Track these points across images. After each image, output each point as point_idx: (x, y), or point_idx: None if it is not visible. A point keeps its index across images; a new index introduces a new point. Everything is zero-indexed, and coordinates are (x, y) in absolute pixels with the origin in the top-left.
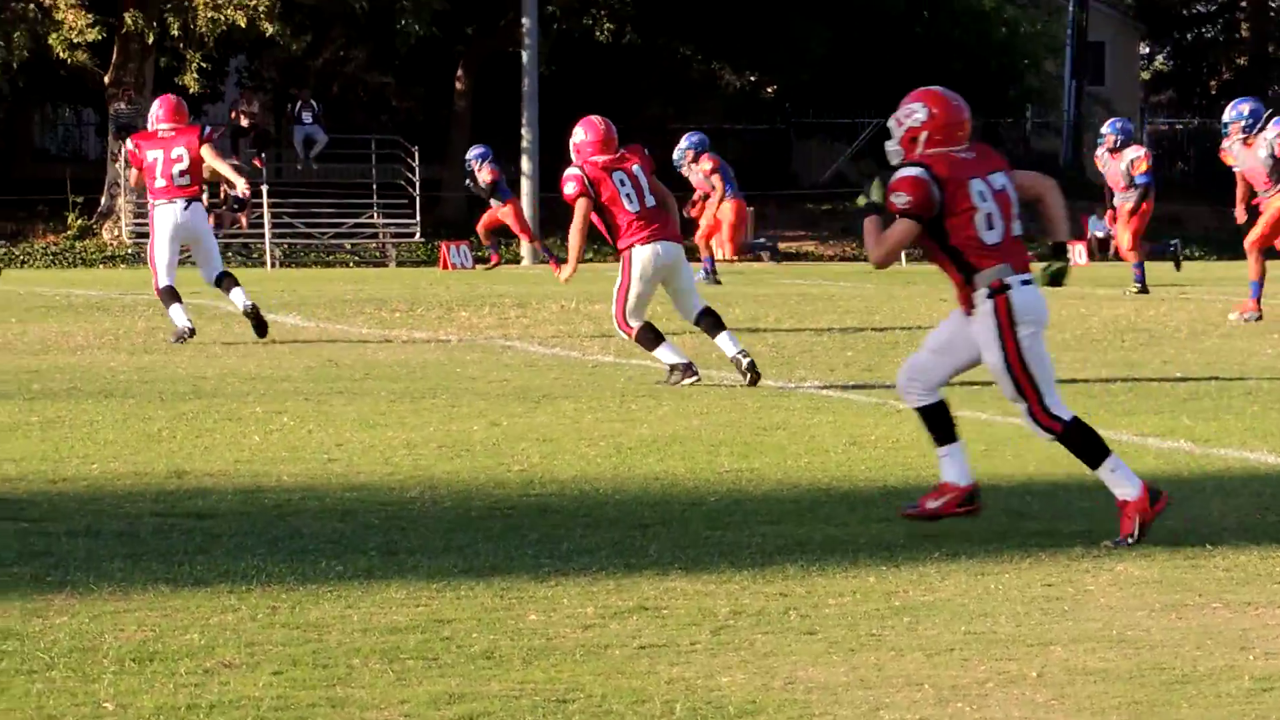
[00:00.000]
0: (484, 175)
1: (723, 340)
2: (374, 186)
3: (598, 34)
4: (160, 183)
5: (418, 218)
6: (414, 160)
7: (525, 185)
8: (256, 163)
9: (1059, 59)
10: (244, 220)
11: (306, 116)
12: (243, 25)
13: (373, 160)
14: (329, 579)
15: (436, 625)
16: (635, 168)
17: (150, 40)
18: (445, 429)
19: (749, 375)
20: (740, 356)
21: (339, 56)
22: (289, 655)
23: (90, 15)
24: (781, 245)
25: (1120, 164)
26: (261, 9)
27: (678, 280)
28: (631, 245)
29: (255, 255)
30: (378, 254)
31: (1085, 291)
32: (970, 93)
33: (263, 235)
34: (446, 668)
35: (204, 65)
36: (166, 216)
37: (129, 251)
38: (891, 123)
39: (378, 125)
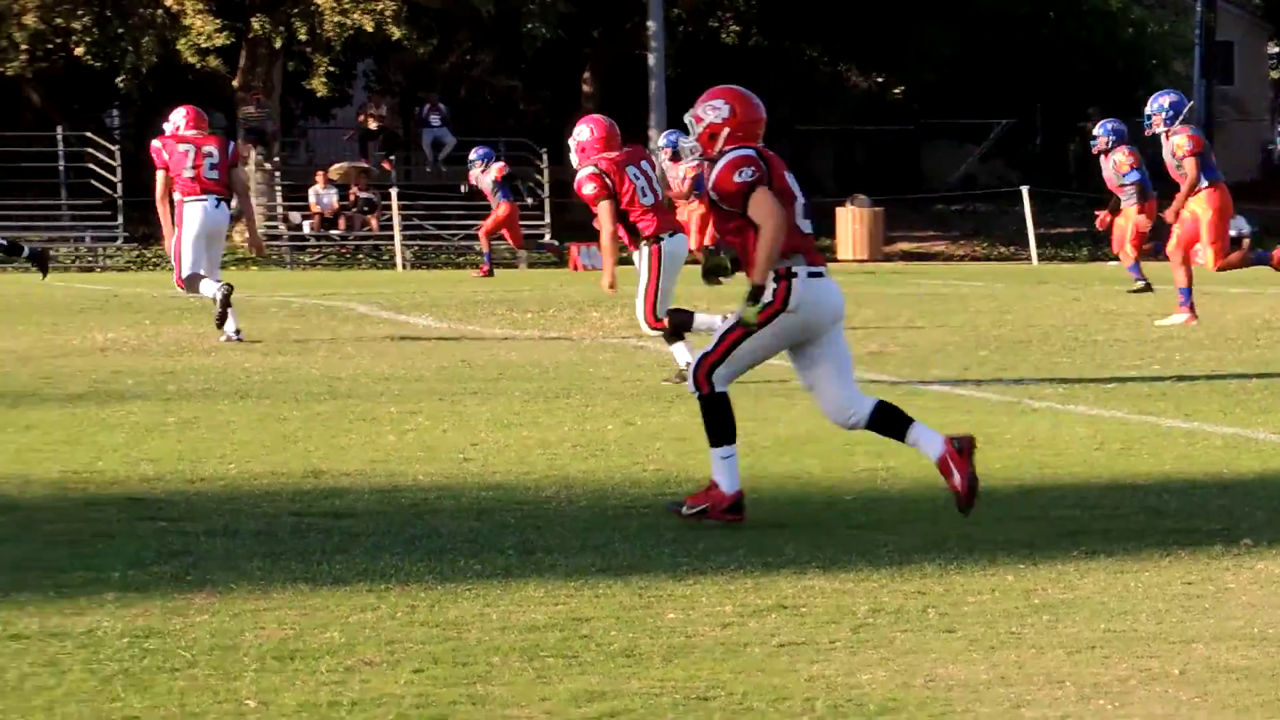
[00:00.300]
0: (490, 175)
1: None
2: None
3: (723, 36)
4: (189, 173)
5: (547, 219)
6: (542, 163)
7: None
8: (386, 165)
9: (1187, 60)
10: (374, 222)
11: (435, 119)
12: (369, 29)
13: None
14: (467, 577)
15: (575, 623)
16: (644, 162)
17: (277, 45)
18: (579, 428)
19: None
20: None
21: (466, 60)
22: (429, 653)
23: (218, 20)
24: (912, 246)
25: (1108, 165)
26: (388, 13)
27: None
28: (658, 238)
29: (386, 257)
30: (508, 255)
31: (1219, 290)
32: (1097, 93)
33: (393, 237)
34: (586, 665)
35: (332, 69)
36: (196, 213)
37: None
38: (690, 118)
39: (505, 128)
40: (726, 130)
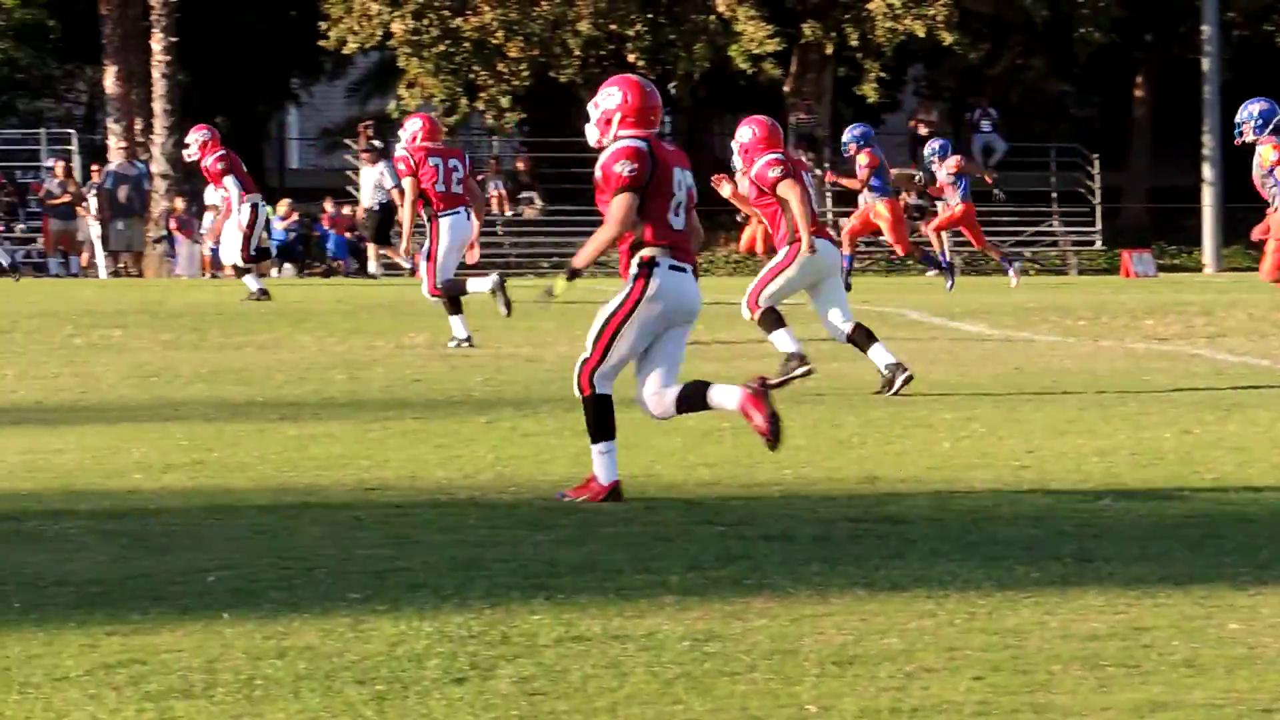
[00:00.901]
0: (946, 169)
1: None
2: (1053, 195)
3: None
4: (440, 188)
5: (1098, 225)
6: (1093, 168)
7: (1207, 194)
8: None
9: None
10: (924, 227)
11: (985, 125)
12: (921, 35)
13: (1052, 168)
14: (1025, 585)
15: (1136, 633)
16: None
17: (828, 51)
18: (1135, 436)
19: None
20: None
21: (1016, 65)
22: (989, 661)
23: (770, 26)
24: None
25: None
26: (939, 19)
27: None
28: (813, 233)
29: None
30: (1057, 262)
31: None
32: None
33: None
34: (1148, 675)
35: (882, 75)
36: (451, 226)
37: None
38: (590, 105)
39: (1056, 133)
40: (619, 115)
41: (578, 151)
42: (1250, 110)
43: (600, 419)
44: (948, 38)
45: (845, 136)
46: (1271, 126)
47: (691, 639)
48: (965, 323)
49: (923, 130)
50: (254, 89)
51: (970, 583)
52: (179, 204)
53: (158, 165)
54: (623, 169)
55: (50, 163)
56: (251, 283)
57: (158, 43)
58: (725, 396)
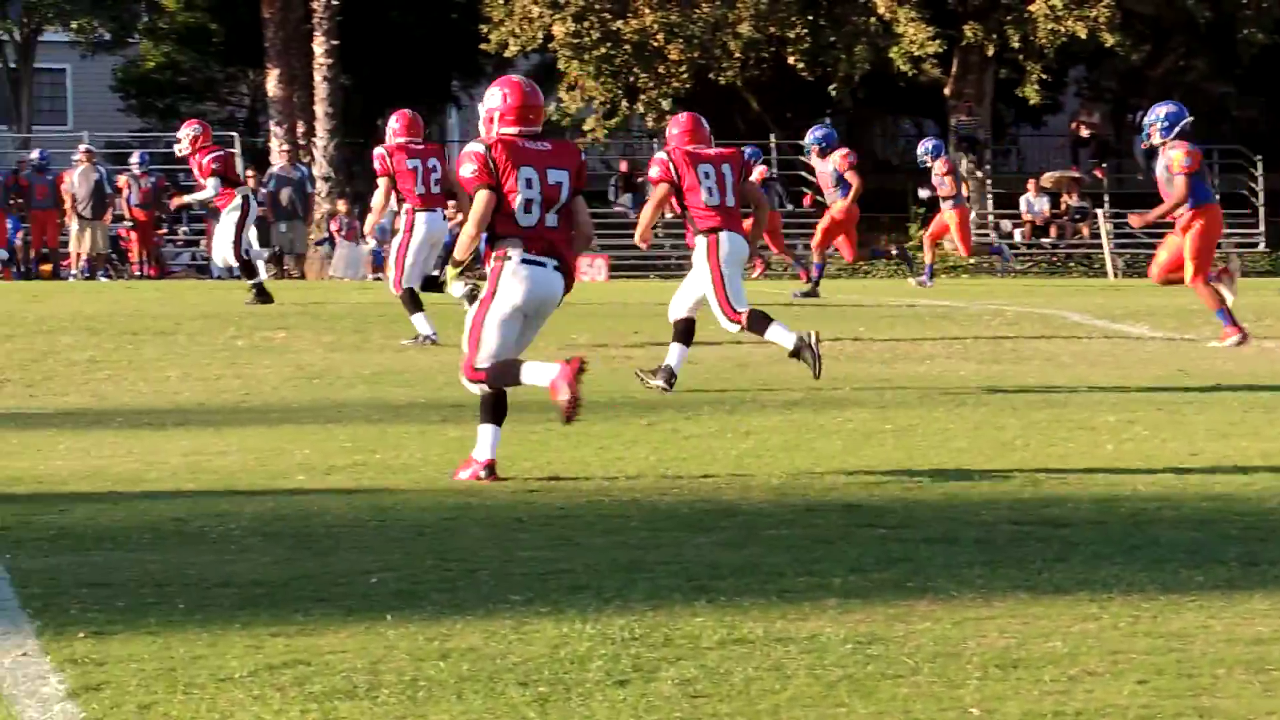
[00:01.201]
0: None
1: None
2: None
3: None
4: (420, 189)
5: (1261, 227)
6: (1256, 170)
7: None
8: (1098, 173)
9: None
10: (1085, 230)
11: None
12: (1083, 36)
13: (1215, 170)
14: (1189, 589)
15: None
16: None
17: (990, 52)
18: None
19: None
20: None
21: (1178, 66)
22: (1153, 665)
23: (930, 28)
24: None
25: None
26: (1101, 20)
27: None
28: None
29: (1096, 266)
30: (1220, 264)
31: None
32: None
33: (1101, 246)
34: None
35: (1044, 77)
36: (426, 222)
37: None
38: (480, 106)
39: (1218, 135)
40: (499, 114)
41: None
42: (1158, 114)
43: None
44: (1109, 39)
45: (807, 139)
46: (1178, 130)
47: (854, 641)
48: (1127, 325)
49: (1084, 132)
50: (415, 92)
51: (1134, 586)
52: (341, 206)
53: (319, 168)
54: (465, 171)
55: None
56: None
57: (319, 46)
58: (484, 442)
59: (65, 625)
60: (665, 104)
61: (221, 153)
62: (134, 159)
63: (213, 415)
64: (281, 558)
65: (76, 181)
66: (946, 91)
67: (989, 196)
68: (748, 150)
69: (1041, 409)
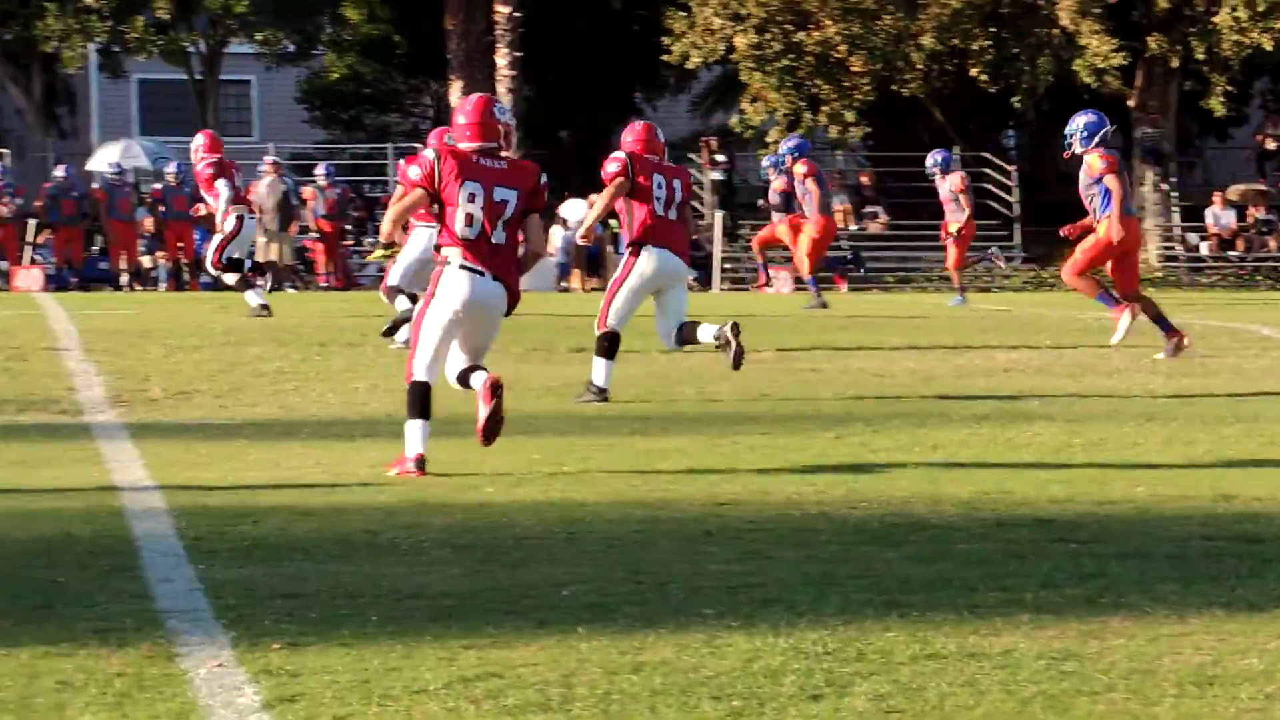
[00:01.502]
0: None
1: (702, 331)
2: None
3: None
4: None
5: None
6: None
7: None
8: None
9: None
10: (1273, 243)
11: None
12: (1268, 48)
13: None
14: None
15: None
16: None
17: (1174, 64)
18: None
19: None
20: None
21: None
22: None
23: (1114, 40)
24: None
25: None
26: None
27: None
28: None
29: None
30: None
31: None
32: None
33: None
34: None
35: (1229, 88)
36: (429, 236)
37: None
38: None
39: None
40: (461, 128)
41: (922, 165)
42: (1078, 123)
43: (417, 401)
44: None
45: (781, 148)
46: (1098, 139)
47: (1048, 658)
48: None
49: (1270, 145)
50: (597, 103)
51: None
52: None
53: None
54: (412, 174)
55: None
56: (253, 298)
57: (502, 58)
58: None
59: (259, 636)
60: (849, 115)
61: (218, 160)
62: (320, 170)
63: (400, 427)
64: (472, 570)
65: (264, 193)
66: (1131, 103)
67: (1175, 210)
68: (941, 155)
69: (1232, 424)
